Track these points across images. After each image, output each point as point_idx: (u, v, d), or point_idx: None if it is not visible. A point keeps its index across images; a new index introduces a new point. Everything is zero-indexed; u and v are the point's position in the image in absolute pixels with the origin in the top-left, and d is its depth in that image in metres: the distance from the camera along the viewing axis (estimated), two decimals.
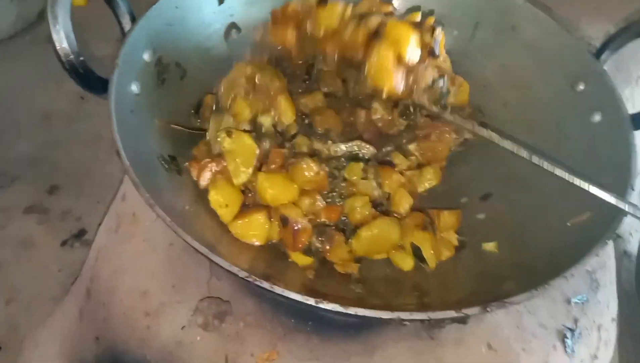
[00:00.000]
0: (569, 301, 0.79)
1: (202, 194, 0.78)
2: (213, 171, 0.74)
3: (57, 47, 0.67)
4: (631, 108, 1.09)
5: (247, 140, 0.75)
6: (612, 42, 0.83)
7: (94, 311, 0.84)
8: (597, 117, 0.80)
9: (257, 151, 0.74)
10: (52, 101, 1.48)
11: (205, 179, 0.74)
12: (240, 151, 0.74)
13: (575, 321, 0.78)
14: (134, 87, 0.76)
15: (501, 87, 0.95)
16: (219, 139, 0.74)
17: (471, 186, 0.86)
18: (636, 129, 0.75)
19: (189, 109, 0.87)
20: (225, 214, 0.73)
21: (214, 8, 0.93)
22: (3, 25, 1.56)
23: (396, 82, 0.70)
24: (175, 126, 0.80)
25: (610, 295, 0.83)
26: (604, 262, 0.88)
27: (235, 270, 0.57)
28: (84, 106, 1.47)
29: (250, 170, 0.74)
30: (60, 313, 0.93)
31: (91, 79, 0.71)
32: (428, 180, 0.84)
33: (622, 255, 1.17)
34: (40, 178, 1.32)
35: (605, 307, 0.81)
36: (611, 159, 0.75)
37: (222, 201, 0.72)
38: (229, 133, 0.74)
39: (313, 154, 0.79)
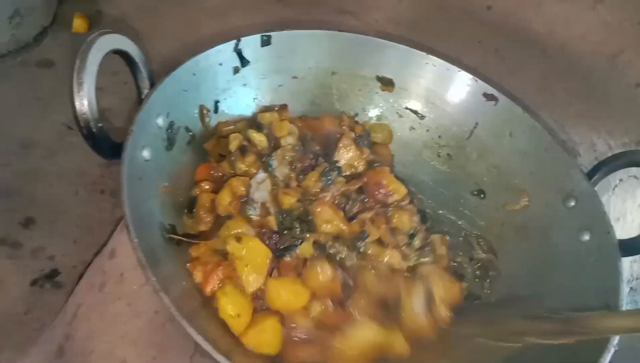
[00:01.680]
0: None
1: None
2: (220, 276, 0.72)
3: (78, 114, 0.66)
4: (608, 213, 1.16)
5: (258, 245, 0.73)
6: (605, 166, 0.89)
7: None
8: (585, 237, 0.84)
9: (270, 256, 0.73)
10: (35, 128, 1.43)
11: (212, 285, 0.72)
12: (251, 257, 0.72)
13: None
14: (145, 153, 0.76)
15: (493, 188, 0.99)
16: (227, 246, 0.72)
17: None
18: (624, 256, 0.79)
19: (191, 178, 0.87)
20: (237, 325, 0.70)
21: (229, 76, 0.94)
22: None
23: None
24: (175, 237, 0.78)
25: None
26: None
27: None
28: (68, 138, 1.43)
29: (262, 278, 0.72)
30: None
31: (106, 146, 0.70)
32: None
33: None
34: (14, 209, 1.26)
35: None
36: (598, 282, 0.78)
37: (234, 311, 0.69)
38: (238, 239, 0.72)
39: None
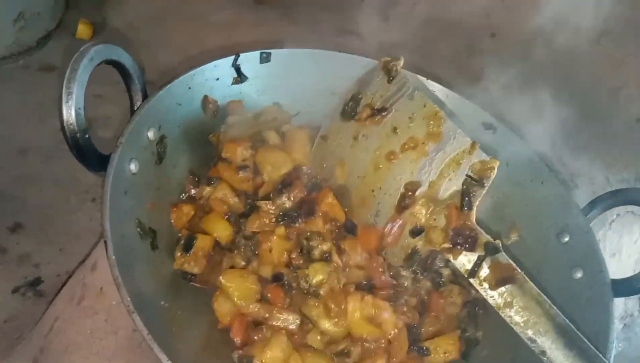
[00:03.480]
0: None
1: (177, 284, 0.76)
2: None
3: (65, 123, 0.65)
4: (602, 250, 1.14)
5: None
6: (602, 203, 0.87)
7: None
8: (578, 274, 0.82)
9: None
10: (32, 134, 1.43)
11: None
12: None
13: None
14: (133, 166, 0.75)
15: (486, 219, 0.97)
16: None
17: None
18: (617, 296, 0.77)
19: (180, 192, 0.85)
20: None
21: (226, 92, 0.93)
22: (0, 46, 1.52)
23: None
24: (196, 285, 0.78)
25: None
26: None
27: None
28: (64, 145, 1.42)
29: None
30: None
31: (92, 157, 0.69)
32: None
33: None
34: (4, 213, 1.25)
35: None
36: (588, 323, 0.76)
37: None
38: None
39: None
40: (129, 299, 0.58)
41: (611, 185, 1.23)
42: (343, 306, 0.76)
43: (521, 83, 1.33)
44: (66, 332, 0.81)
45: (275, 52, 0.96)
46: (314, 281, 0.77)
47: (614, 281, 0.79)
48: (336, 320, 0.75)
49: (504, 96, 1.30)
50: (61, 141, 1.42)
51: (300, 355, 0.72)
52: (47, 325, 0.84)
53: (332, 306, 0.75)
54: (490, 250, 0.81)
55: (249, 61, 0.94)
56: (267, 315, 0.75)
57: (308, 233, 0.81)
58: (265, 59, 0.95)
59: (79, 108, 0.65)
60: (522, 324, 0.77)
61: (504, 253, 0.81)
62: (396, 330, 0.77)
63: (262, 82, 0.96)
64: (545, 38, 1.33)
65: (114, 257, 0.61)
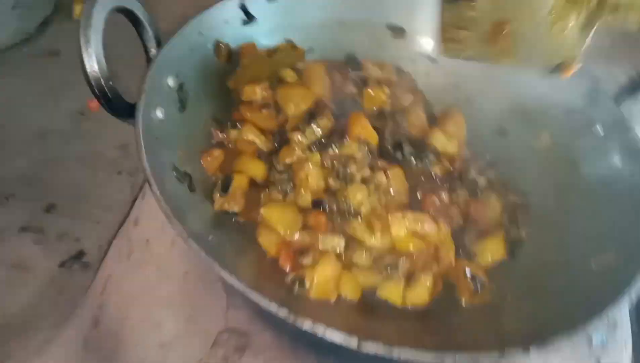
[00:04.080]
0: (590, 343, 0.79)
1: (220, 221, 0.77)
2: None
3: (88, 71, 0.65)
4: None
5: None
6: (628, 90, 0.85)
7: (102, 341, 0.81)
8: (617, 163, 0.82)
9: None
10: (49, 117, 1.44)
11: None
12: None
13: (598, 360, 0.78)
14: (159, 113, 0.75)
15: (516, 124, 0.96)
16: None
17: None
18: None
19: (207, 138, 0.85)
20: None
21: (237, 34, 0.92)
22: (1, 35, 1.52)
23: None
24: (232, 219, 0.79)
25: (627, 334, 0.83)
26: None
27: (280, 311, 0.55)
28: (82, 124, 1.44)
29: None
30: (61, 341, 0.89)
31: (119, 105, 0.69)
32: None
33: None
34: (36, 196, 1.27)
35: (623, 347, 0.81)
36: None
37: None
38: None
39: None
40: (180, 226, 0.58)
41: None
42: (386, 222, 0.76)
43: None
44: (121, 287, 0.83)
45: None
46: (354, 201, 0.77)
47: None
48: (380, 234, 0.75)
49: None
50: (78, 121, 1.45)
51: (350, 273, 0.74)
52: (101, 285, 0.86)
53: (375, 221, 0.75)
54: None
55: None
56: (313, 240, 0.76)
57: (343, 159, 0.81)
58: None
59: (99, 55, 0.65)
60: None
61: None
62: (441, 237, 0.77)
63: (272, 20, 0.95)
64: None
65: (158, 192, 0.61)
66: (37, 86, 1.49)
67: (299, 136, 0.82)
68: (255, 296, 0.55)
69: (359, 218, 0.77)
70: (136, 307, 0.79)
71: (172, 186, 0.72)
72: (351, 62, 0.98)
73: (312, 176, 0.79)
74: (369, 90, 0.92)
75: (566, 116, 0.90)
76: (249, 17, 0.93)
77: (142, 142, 0.66)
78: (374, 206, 0.77)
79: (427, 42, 1.02)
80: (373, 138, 0.84)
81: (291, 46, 0.95)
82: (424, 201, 0.82)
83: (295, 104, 0.87)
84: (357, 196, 0.78)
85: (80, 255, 1.17)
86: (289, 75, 0.92)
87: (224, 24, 0.90)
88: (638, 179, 0.78)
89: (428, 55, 1.03)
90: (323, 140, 0.82)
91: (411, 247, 0.76)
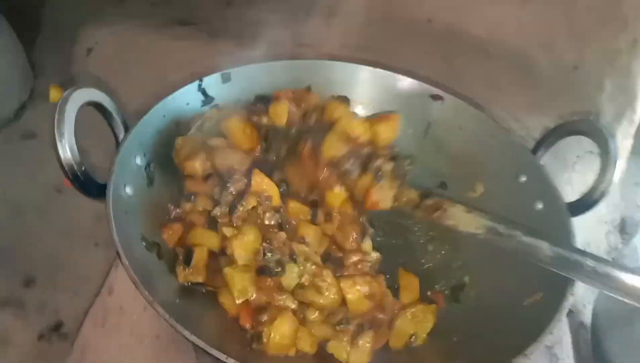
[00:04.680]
0: None
1: (186, 287, 0.84)
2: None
3: (62, 160, 0.74)
4: (570, 191, 1.23)
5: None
6: (545, 141, 0.98)
7: None
8: (539, 206, 0.92)
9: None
10: (25, 194, 1.51)
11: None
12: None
13: None
14: (128, 190, 0.84)
15: (452, 179, 1.08)
16: None
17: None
18: (574, 216, 0.87)
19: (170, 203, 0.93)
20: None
21: (197, 111, 1.02)
22: None
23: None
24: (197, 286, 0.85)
25: None
26: (560, 337, 0.97)
27: None
28: (59, 199, 1.51)
29: None
30: None
31: (91, 186, 0.78)
32: None
33: (578, 327, 1.26)
34: (14, 270, 1.32)
35: None
36: (554, 242, 0.86)
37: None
38: None
39: None
40: (147, 292, 0.66)
41: None
42: (329, 280, 0.84)
43: (464, 59, 1.46)
44: (97, 353, 0.89)
45: (234, 71, 1.06)
46: (292, 285, 0.85)
47: (570, 204, 0.89)
48: (327, 292, 0.84)
49: (450, 72, 1.43)
50: (55, 196, 1.51)
51: (306, 328, 0.81)
52: (78, 353, 0.91)
53: (320, 283, 0.84)
54: (424, 196, 0.91)
55: (212, 82, 1.04)
56: (269, 299, 0.83)
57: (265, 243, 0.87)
58: (226, 78, 1.05)
59: (72, 145, 0.74)
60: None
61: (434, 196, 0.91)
62: (382, 290, 0.87)
63: (227, 98, 1.06)
64: (476, 14, 1.46)
65: (127, 262, 0.69)
66: (13, 167, 1.57)
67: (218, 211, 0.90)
68: (215, 353, 0.63)
69: (303, 288, 0.85)
70: None
71: (142, 255, 0.80)
72: (259, 100, 1.04)
73: (241, 251, 0.85)
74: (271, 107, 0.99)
75: (496, 167, 1.02)
76: (207, 98, 1.04)
77: (112, 218, 0.74)
78: (313, 271, 0.85)
79: (371, 109, 1.14)
80: (274, 191, 0.90)
81: (216, 111, 1.03)
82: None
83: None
84: (292, 281, 0.85)
85: (58, 325, 1.21)
86: (216, 143, 0.98)
87: (185, 106, 1.00)
88: (556, 219, 0.89)
89: None
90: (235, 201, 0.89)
91: (364, 307, 0.85)
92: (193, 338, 0.63)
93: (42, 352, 1.15)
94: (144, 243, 0.82)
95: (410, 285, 0.91)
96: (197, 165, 0.94)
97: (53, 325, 1.21)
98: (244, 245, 0.84)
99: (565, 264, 0.75)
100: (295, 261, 0.85)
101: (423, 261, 0.99)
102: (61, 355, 1.04)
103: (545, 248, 0.77)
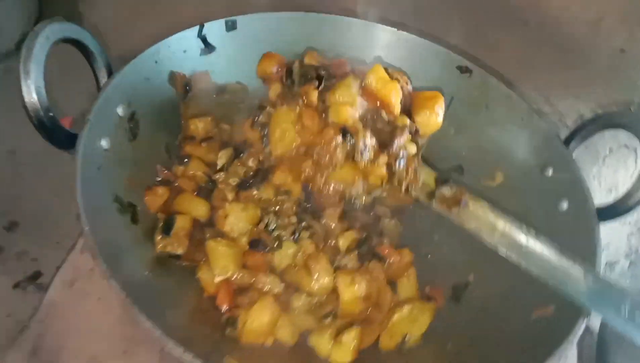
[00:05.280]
0: None
1: (160, 258, 0.76)
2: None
3: (26, 101, 0.65)
4: (598, 186, 1.12)
5: None
6: (581, 132, 0.86)
7: None
8: (564, 206, 0.82)
9: None
10: (20, 134, 1.43)
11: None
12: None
13: None
14: (104, 143, 0.75)
15: (471, 164, 0.97)
16: None
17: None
18: (602, 221, 0.77)
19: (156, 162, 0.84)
20: None
21: (195, 64, 0.92)
22: None
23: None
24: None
25: None
26: None
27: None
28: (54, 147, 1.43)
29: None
30: None
31: (60, 135, 0.69)
32: None
33: (584, 332, 1.17)
34: None
35: None
36: (578, 251, 0.75)
37: None
38: None
39: None
40: (105, 265, 0.58)
41: None
42: (323, 264, 0.76)
43: (500, 30, 1.32)
44: (62, 316, 0.82)
45: (241, 19, 0.95)
46: (283, 264, 0.77)
47: (599, 209, 0.79)
48: (318, 277, 0.75)
49: (483, 42, 1.30)
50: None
51: (288, 316, 0.73)
52: (44, 312, 0.85)
53: (313, 265, 0.75)
54: (441, 182, 0.81)
55: (215, 30, 0.93)
56: (252, 279, 0.75)
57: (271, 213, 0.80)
58: (231, 26, 0.94)
59: (39, 87, 0.65)
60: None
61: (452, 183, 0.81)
62: (380, 286, 0.77)
63: (231, 50, 0.95)
64: None
65: (87, 228, 0.61)
66: (11, 103, 1.48)
67: (223, 177, 0.82)
68: (172, 346, 0.55)
69: (295, 266, 0.76)
70: (74, 338, 0.78)
71: (111, 218, 0.72)
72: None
73: (237, 222, 0.78)
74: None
75: (521, 156, 0.91)
76: (208, 48, 0.93)
77: (79, 172, 0.66)
78: (310, 251, 0.76)
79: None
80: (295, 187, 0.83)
81: (241, 87, 0.95)
82: None
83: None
84: (284, 261, 0.77)
85: (36, 275, 1.15)
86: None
87: (181, 53, 0.90)
88: (582, 225, 0.78)
89: None
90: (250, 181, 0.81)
91: (356, 309, 0.76)
92: (148, 325, 0.55)
93: (15, 301, 1.10)
94: (117, 204, 0.74)
95: (410, 279, 0.82)
96: (201, 126, 0.87)
97: (31, 275, 1.15)
98: (242, 214, 0.77)
99: (600, 302, 0.65)
100: (295, 241, 0.77)
101: (426, 252, 0.88)
102: (34, 305, 0.97)
103: (579, 278, 0.66)
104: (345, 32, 1.00)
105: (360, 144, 0.74)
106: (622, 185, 1.29)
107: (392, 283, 0.82)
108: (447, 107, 0.99)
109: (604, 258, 1.35)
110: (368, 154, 0.75)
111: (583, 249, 0.75)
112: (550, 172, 0.86)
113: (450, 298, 0.82)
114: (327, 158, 0.75)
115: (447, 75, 0.98)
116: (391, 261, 0.82)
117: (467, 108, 0.97)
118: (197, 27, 0.91)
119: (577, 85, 1.26)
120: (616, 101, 1.25)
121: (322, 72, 0.79)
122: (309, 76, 0.78)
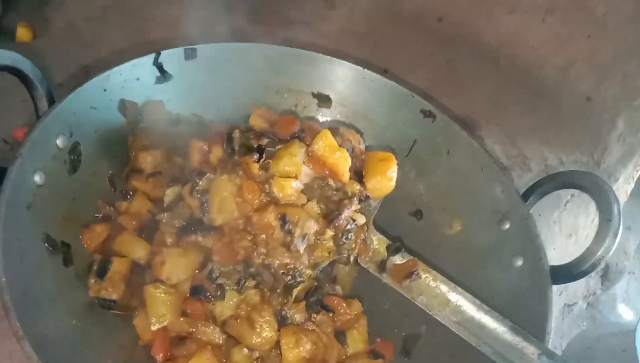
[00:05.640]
0: None
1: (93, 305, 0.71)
2: None
3: None
4: (559, 231, 1.10)
5: None
6: (540, 188, 0.85)
7: None
8: (519, 262, 0.80)
9: None
10: None
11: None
12: None
13: None
14: (37, 178, 0.70)
15: (430, 209, 0.95)
16: None
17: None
18: (555, 284, 0.75)
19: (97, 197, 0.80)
20: None
21: (148, 92, 0.88)
22: None
23: None
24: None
25: None
26: None
27: None
28: (3, 154, 1.37)
29: None
30: None
31: None
32: None
33: None
34: None
35: None
36: (529, 311, 0.74)
37: None
38: None
39: None
40: (18, 324, 0.53)
41: (565, 166, 1.21)
42: (268, 317, 0.72)
43: (471, 67, 1.31)
44: None
45: (201, 48, 0.91)
46: (225, 315, 0.73)
47: (553, 268, 0.77)
48: (260, 331, 0.71)
49: (453, 78, 1.29)
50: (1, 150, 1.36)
51: None
52: None
53: (256, 318, 0.71)
54: (393, 251, 0.80)
55: (173, 57, 0.89)
56: (192, 329, 0.71)
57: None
58: (190, 55, 0.91)
59: None
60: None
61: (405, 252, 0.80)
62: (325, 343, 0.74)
63: (189, 80, 0.92)
64: (491, 20, 1.31)
65: (4, 279, 0.56)
66: None
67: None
68: None
69: (236, 319, 0.72)
70: None
71: (38, 262, 0.67)
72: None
73: (172, 268, 0.72)
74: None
75: (480, 206, 0.89)
76: (164, 75, 0.89)
77: (2, 217, 0.61)
78: (254, 302, 0.72)
79: (354, 114, 1.00)
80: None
81: (197, 119, 0.92)
82: None
83: None
84: (225, 312, 0.73)
85: None
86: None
87: (134, 81, 0.86)
88: (535, 285, 0.77)
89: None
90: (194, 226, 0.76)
91: None
92: None
93: None
94: (47, 245, 0.68)
95: (360, 330, 0.79)
96: (150, 159, 0.83)
97: None
98: (182, 261, 0.72)
99: None
100: (240, 291, 0.73)
101: (380, 299, 0.85)
102: None
103: (533, 359, 0.65)
104: (310, 66, 0.97)
105: (297, 235, 0.71)
106: (582, 230, 1.29)
107: (341, 333, 0.79)
108: (409, 150, 0.98)
109: (562, 299, 1.36)
110: (304, 245, 0.72)
111: (535, 310, 0.74)
112: (507, 225, 0.84)
113: (400, 353, 0.79)
114: (264, 238, 0.72)
115: (411, 118, 0.96)
116: (340, 311, 0.79)
117: (429, 153, 0.95)
118: (153, 55, 0.87)
119: (544, 128, 1.25)
120: (580, 147, 1.25)
121: (264, 143, 0.76)
122: (249, 147, 0.75)
